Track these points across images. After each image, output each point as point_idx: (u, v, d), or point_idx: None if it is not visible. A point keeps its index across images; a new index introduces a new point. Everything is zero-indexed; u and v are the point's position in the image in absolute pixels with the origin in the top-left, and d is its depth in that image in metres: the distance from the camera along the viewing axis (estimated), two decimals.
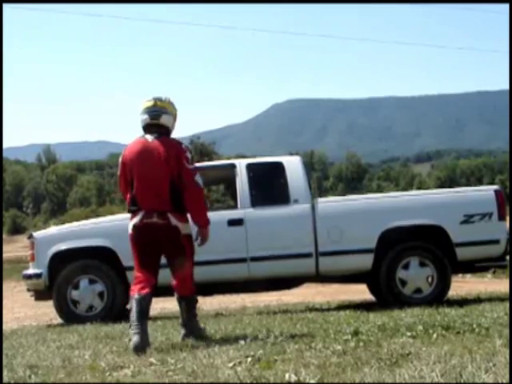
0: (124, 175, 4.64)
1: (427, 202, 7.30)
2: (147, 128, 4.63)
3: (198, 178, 4.56)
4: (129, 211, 4.61)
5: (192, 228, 4.66)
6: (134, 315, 4.29)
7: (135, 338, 4.18)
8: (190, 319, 4.67)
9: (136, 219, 4.51)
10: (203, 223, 4.62)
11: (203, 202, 4.66)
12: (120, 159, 4.70)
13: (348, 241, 7.01)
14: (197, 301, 4.79)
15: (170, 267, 4.63)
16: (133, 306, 4.32)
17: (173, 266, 4.60)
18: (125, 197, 4.74)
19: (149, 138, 4.57)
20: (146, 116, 4.61)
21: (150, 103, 4.62)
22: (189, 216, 4.62)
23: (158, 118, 4.59)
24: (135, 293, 4.37)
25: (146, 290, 4.38)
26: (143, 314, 4.30)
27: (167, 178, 4.46)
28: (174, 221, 4.48)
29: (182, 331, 4.68)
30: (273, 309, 7.94)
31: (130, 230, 4.57)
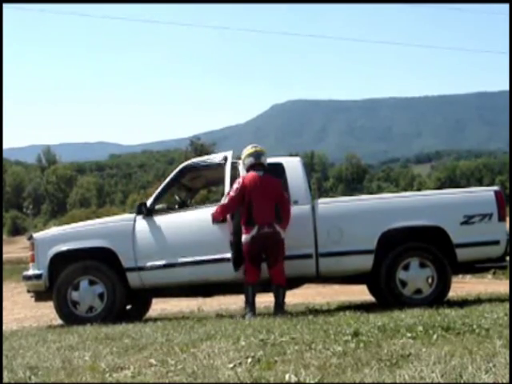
0: (241, 196, 6.58)
1: (427, 202, 7.29)
2: (252, 166, 6.73)
3: (289, 198, 6.85)
4: (246, 225, 6.58)
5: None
6: (249, 297, 6.58)
7: (250, 314, 6.44)
8: (278, 305, 6.60)
9: (254, 231, 6.52)
10: (286, 226, 6.70)
11: (289, 213, 6.73)
12: (239, 185, 6.62)
13: (348, 242, 7.00)
14: (285, 292, 6.72)
15: (269, 263, 6.60)
16: (248, 290, 6.58)
17: (271, 261, 6.60)
18: (229, 211, 6.72)
19: (259, 173, 6.70)
20: (251, 159, 6.77)
21: (253, 150, 6.83)
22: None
23: (260, 159, 6.77)
24: (249, 282, 6.59)
25: (255, 279, 6.60)
26: (254, 296, 6.59)
27: (273, 201, 6.63)
28: (277, 228, 6.58)
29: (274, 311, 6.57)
30: (273, 310, 7.93)
31: (248, 240, 6.55)
